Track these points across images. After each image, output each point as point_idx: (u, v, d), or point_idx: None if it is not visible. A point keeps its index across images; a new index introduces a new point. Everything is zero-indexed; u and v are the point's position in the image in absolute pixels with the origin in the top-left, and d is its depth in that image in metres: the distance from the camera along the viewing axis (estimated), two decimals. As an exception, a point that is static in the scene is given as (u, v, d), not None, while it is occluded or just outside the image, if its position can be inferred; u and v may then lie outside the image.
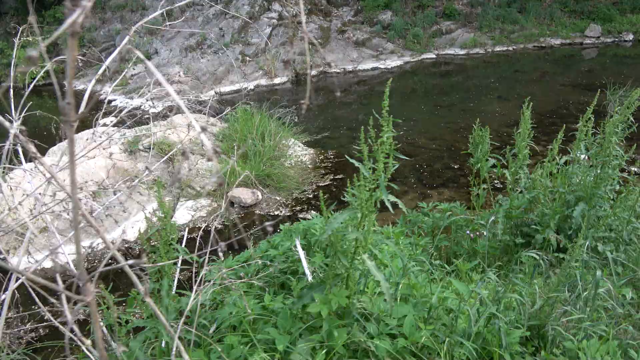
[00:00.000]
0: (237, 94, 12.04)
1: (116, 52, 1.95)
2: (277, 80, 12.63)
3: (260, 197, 5.75)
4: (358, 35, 14.81)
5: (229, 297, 2.49)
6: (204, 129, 0.57)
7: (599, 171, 3.39)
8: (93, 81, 2.02)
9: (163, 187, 6.15)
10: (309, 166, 6.82)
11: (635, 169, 5.84)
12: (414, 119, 9.25)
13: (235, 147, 5.74)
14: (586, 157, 3.65)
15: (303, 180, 6.38)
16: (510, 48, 14.93)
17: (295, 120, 7.38)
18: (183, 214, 5.46)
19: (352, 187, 1.63)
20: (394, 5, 15.76)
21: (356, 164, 1.56)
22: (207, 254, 1.96)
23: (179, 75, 11.75)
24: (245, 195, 5.57)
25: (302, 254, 2.39)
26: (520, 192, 3.76)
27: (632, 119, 3.45)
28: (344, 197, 1.86)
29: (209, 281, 2.81)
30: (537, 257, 2.21)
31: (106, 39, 14.82)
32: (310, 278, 2.29)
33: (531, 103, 3.57)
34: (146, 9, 14.85)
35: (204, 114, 7.10)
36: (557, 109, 9.31)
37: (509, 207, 3.61)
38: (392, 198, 1.57)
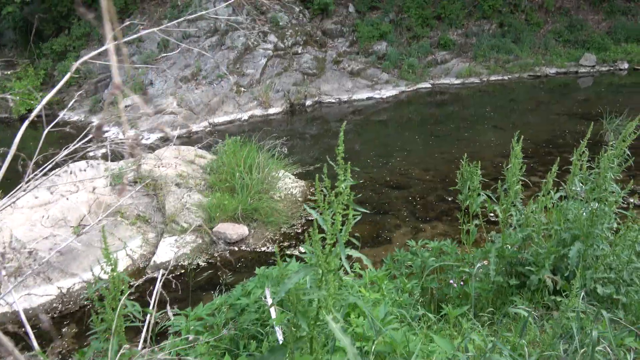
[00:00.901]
0: (231, 125, 11.95)
1: (62, 82, 1.80)
2: (271, 111, 12.56)
3: (246, 232, 5.54)
4: (353, 66, 14.84)
5: (192, 353, 2.28)
6: None
7: (595, 207, 3.20)
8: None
9: (146, 222, 5.89)
10: (299, 199, 6.62)
11: (636, 202, 5.64)
12: (408, 149, 9.11)
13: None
14: (583, 191, 3.47)
15: (292, 214, 6.18)
16: (506, 77, 14.94)
17: (285, 152, 7.20)
18: (165, 251, 5.24)
19: (311, 241, 1.44)
20: (389, 36, 15.85)
21: (314, 214, 1.38)
22: (154, 311, 1.75)
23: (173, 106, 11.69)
24: (230, 230, 5.36)
25: (271, 306, 2.19)
26: (514, 228, 3.57)
27: (628, 152, 3.28)
28: (301, 252, 1.67)
29: (175, 332, 2.58)
30: (527, 314, 2.00)
31: (102, 70, 14.84)
32: (280, 335, 2.08)
33: (522, 136, 3.42)
34: (142, 41, 14.93)
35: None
36: (553, 138, 9.19)
37: (501, 245, 3.41)
38: (356, 254, 1.38)
